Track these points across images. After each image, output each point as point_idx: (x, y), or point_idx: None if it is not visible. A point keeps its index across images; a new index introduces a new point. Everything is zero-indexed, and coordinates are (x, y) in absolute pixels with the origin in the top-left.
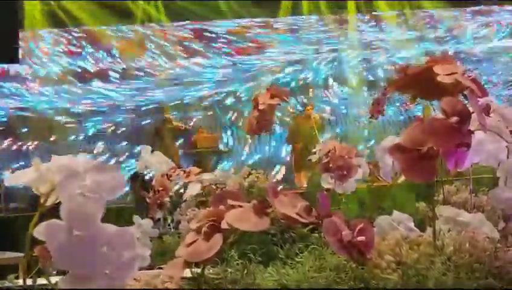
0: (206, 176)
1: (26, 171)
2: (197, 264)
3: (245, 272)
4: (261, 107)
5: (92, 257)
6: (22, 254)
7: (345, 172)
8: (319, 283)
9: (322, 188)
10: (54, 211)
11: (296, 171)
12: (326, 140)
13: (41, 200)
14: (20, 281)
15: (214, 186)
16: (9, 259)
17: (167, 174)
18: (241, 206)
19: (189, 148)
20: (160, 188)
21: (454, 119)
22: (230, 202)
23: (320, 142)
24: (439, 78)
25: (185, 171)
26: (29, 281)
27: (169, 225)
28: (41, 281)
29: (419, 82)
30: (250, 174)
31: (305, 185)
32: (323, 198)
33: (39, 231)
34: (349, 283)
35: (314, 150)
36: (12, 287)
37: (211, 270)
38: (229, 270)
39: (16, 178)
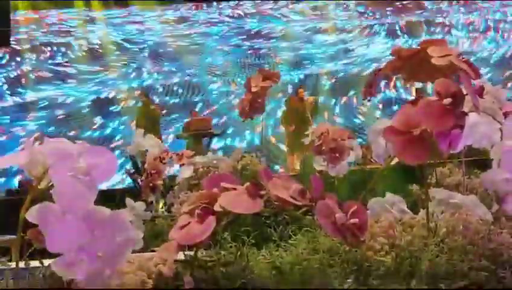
0: (199, 159)
1: (18, 154)
2: (190, 247)
3: (238, 254)
4: (253, 89)
5: (85, 239)
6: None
7: (338, 154)
8: (312, 265)
9: (315, 170)
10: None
11: (289, 153)
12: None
13: (34, 183)
14: (13, 264)
15: (206, 169)
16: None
17: (160, 157)
18: (234, 189)
19: (183, 131)
20: (153, 171)
21: (448, 100)
22: (223, 184)
23: (313, 124)
24: (433, 60)
25: (177, 154)
26: (21, 264)
27: (162, 207)
28: (35, 263)
29: (412, 64)
30: (243, 157)
31: (298, 167)
32: (316, 181)
33: (31, 214)
34: (342, 265)
35: (306, 133)
36: (4, 269)
37: (204, 253)
38: (222, 253)
39: (7, 161)
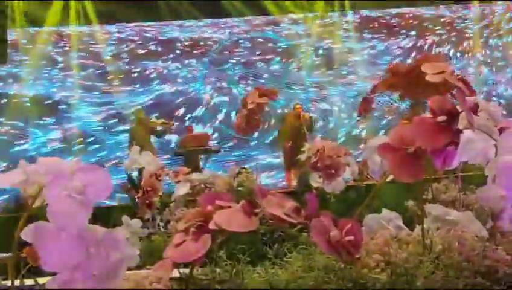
0: (195, 176)
1: (13, 173)
2: (185, 265)
3: (234, 272)
4: (250, 106)
5: (80, 258)
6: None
7: (333, 171)
8: (308, 282)
9: (311, 187)
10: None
11: (286, 169)
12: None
13: (29, 202)
14: (9, 282)
15: (202, 186)
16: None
17: (156, 174)
18: (229, 207)
19: (179, 148)
20: (149, 188)
21: (442, 118)
22: (218, 202)
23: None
24: (427, 77)
25: (174, 171)
26: (17, 282)
27: (158, 224)
28: (30, 281)
29: (408, 81)
30: (239, 173)
31: (295, 184)
32: (311, 198)
33: (26, 233)
34: (337, 283)
35: (303, 149)
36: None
37: (199, 271)
38: (218, 270)
39: (3, 180)
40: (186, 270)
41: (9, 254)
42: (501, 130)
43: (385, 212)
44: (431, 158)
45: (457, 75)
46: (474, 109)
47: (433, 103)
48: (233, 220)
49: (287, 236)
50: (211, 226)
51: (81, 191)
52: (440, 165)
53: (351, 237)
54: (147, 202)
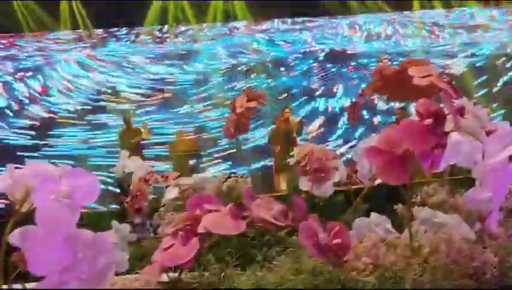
0: (184, 180)
1: (0, 177)
2: (174, 269)
3: (222, 275)
4: (238, 110)
5: (68, 262)
6: None
7: (322, 175)
8: (296, 285)
9: (301, 191)
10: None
11: (276, 173)
12: (304, 143)
13: (16, 206)
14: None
15: (192, 191)
16: None
17: (145, 179)
18: (217, 210)
19: (169, 152)
20: (138, 193)
21: (429, 121)
22: (206, 206)
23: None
24: (414, 80)
25: (163, 176)
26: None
27: (148, 229)
28: (18, 287)
29: (394, 84)
30: (228, 177)
31: (284, 188)
32: (299, 201)
33: (14, 237)
34: (326, 286)
35: (292, 153)
36: None
37: (188, 275)
38: (206, 274)
39: None
40: (175, 275)
41: None
42: (488, 133)
43: (374, 215)
44: (419, 161)
45: (444, 78)
46: (461, 111)
47: (419, 106)
48: (221, 223)
49: (275, 239)
50: (199, 229)
51: (69, 195)
52: (428, 168)
53: (339, 240)
54: (136, 206)
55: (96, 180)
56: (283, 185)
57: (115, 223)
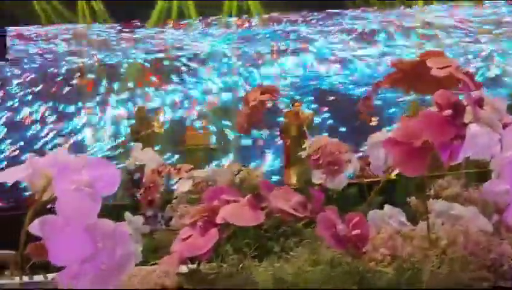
0: (197, 173)
1: (20, 168)
2: (192, 260)
3: (240, 266)
4: (252, 104)
5: (88, 252)
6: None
7: (336, 167)
8: (314, 277)
9: (311, 184)
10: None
11: (286, 167)
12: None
13: (36, 196)
14: (16, 279)
15: (204, 183)
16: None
17: (158, 170)
18: (235, 201)
19: (180, 146)
20: (151, 185)
21: (448, 112)
22: (224, 196)
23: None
24: (432, 72)
25: (175, 168)
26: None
27: (159, 221)
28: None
29: (412, 76)
30: (240, 170)
31: (295, 181)
32: (317, 193)
33: (34, 227)
34: (344, 277)
35: (304, 146)
36: (7, 284)
37: (206, 266)
38: (224, 265)
39: (9, 175)
40: (193, 266)
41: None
42: (505, 125)
43: (387, 208)
44: (437, 153)
45: (463, 69)
46: (480, 102)
47: (438, 97)
48: (239, 214)
49: (292, 231)
50: (218, 220)
51: (90, 185)
52: (446, 160)
53: (358, 231)
54: (149, 198)
55: (117, 170)
56: (293, 179)
57: (128, 215)
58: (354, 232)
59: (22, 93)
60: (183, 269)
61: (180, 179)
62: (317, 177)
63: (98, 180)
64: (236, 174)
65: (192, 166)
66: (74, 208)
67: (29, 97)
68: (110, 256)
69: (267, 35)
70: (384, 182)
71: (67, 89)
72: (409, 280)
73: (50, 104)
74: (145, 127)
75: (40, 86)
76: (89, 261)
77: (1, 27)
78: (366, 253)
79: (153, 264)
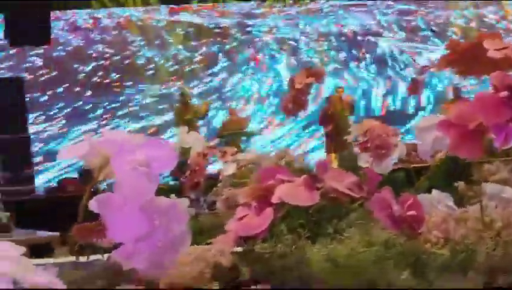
0: (242, 156)
1: (79, 146)
2: (246, 239)
3: (294, 247)
4: (297, 86)
5: (145, 229)
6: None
7: (383, 151)
8: (368, 258)
9: (355, 168)
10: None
11: (328, 152)
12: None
13: (94, 174)
14: (72, 258)
15: (251, 166)
16: (42, 238)
17: (203, 153)
18: (291, 181)
19: (220, 130)
20: (197, 167)
21: (504, 93)
22: (280, 176)
23: (351, 123)
24: (489, 53)
25: (221, 151)
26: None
27: (202, 205)
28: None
29: (468, 58)
30: (285, 154)
31: (336, 166)
32: (372, 173)
33: (93, 204)
34: (398, 258)
35: (349, 130)
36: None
37: (260, 245)
38: (279, 245)
39: (68, 152)
40: (247, 245)
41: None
42: None
43: (435, 192)
44: (490, 137)
45: None
46: None
47: (495, 79)
48: (295, 194)
49: (345, 211)
50: (274, 200)
51: (147, 164)
52: (501, 143)
53: (413, 212)
54: (195, 181)
55: (174, 150)
56: (335, 164)
57: (173, 197)
58: (410, 213)
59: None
60: (238, 248)
61: (225, 162)
62: (364, 160)
63: (155, 159)
64: (281, 159)
65: (237, 149)
66: (131, 187)
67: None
68: (166, 234)
69: None
70: (433, 166)
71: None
72: (463, 262)
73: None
74: (190, 110)
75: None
76: (146, 239)
77: (45, 10)
78: (421, 234)
79: (208, 244)
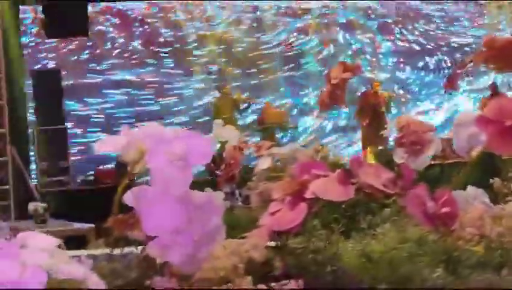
0: (277, 150)
1: (115, 138)
2: (279, 234)
3: (328, 242)
4: (333, 81)
5: (180, 222)
6: (90, 225)
7: (419, 147)
8: (402, 254)
9: (391, 164)
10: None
11: (364, 147)
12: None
13: (130, 168)
14: (107, 250)
15: (285, 160)
16: (78, 230)
17: (239, 147)
18: (326, 176)
19: (258, 124)
20: (232, 161)
21: None
22: (314, 171)
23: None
24: None
25: (256, 145)
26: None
27: (236, 198)
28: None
29: (506, 54)
30: (321, 148)
31: (373, 161)
32: (407, 169)
33: (128, 197)
34: (432, 255)
35: (386, 125)
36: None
37: (294, 240)
38: (313, 240)
39: (104, 145)
40: (281, 240)
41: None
42: None
43: (470, 189)
44: None
45: None
46: None
47: None
48: (330, 189)
49: (379, 207)
50: (308, 195)
51: (182, 157)
52: None
53: (448, 209)
54: (231, 174)
55: (210, 142)
56: (370, 159)
57: (209, 190)
58: (444, 209)
59: None
60: (272, 242)
61: (260, 156)
62: (399, 156)
63: (191, 152)
64: (317, 152)
65: (272, 143)
66: (167, 180)
67: None
68: (201, 227)
69: None
70: (469, 163)
71: None
72: (498, 260)
73: None
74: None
75: None
76: (181, 232)
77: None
78: (455, 231)
79: (242, 238)
